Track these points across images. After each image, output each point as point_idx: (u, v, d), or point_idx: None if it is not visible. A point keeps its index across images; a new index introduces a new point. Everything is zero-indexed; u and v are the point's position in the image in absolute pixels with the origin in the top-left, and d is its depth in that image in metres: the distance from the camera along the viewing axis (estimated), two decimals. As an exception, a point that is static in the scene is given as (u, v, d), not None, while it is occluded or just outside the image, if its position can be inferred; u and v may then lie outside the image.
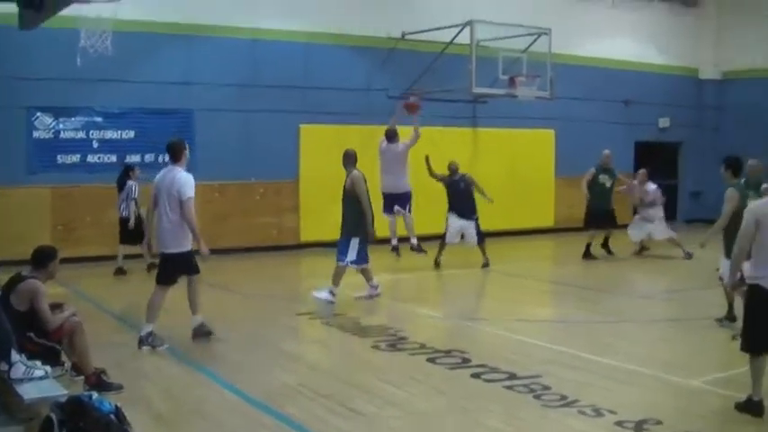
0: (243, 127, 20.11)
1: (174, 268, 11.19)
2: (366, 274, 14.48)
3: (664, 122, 28.32)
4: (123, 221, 17.33)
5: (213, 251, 17.31)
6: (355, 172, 14.36)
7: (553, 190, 25.08)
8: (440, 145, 21.54)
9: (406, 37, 21.94)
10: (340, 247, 14.36)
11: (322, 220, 20.71)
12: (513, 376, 9.41)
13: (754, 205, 8.29)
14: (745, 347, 8.34)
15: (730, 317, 12.26)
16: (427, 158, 18.24)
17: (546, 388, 8.98)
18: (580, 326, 12.82)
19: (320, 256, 19.90)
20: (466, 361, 10.10)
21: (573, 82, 24.50)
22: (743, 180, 12.46)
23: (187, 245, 11.13)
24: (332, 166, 20.76)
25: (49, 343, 8.59)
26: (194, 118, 19.70)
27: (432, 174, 18.37)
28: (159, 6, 19.18)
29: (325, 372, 9.99)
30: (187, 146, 11.36)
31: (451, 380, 9.51)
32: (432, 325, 12.90)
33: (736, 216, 10.07)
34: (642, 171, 20.34)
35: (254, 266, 18.62)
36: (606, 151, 19.93)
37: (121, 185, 17.35)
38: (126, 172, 17.49)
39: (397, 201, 17.91)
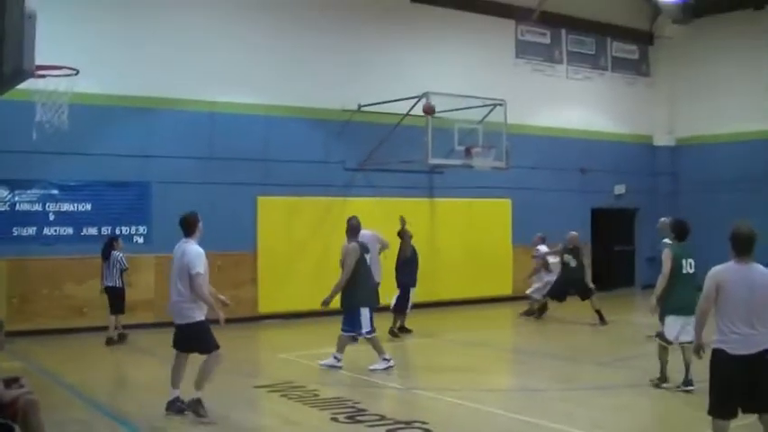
0: (201, 199, 19.94)
1: (186, 339, 11.28)
2: (376, 345, 14.58)
3: (619, 189, 28.61)
4: (111, 291, 17.65)
5: (171, 324, 17.30)
6: (349, 244, 14.62)
7: (511, 258, 25.16)
8: (396, 216, 21.64)
9: (362, 109, 22.11)
10: (346, 318, 14.54)
11: (280, 291, 20.75)
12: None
13: (715, 270, 8.30)
14: (710, 411, 8.34)
15: (663, 378, 12.58)
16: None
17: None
18: (539, 394, 12.81)
19: (278, 327, 19.92)
20: (427, 432, 10.05)
21: (529, 151, 24.77)
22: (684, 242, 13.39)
23: (197, 315, 11.14)
24: (289, 237, 20.96)
25: (2, 420, 8.43)
26: (152, 190, 19.65)
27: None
28: (117, 79, 19.19)
29: (284, 445, 9.90)
30: (200, 219, 11.43)
31: (412, 452, 9.46)
32: (391, 396, 12.84)
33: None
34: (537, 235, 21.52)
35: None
36: (573, 233, 20.25)
37: (106, 256, 17.65)
38: (110, 243, 17.83)
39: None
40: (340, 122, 22.14)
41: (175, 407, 10.97)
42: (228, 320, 19.67)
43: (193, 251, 10.98)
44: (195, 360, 11.24)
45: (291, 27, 21.70)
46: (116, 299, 17.71)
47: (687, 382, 12.18)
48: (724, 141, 28.06)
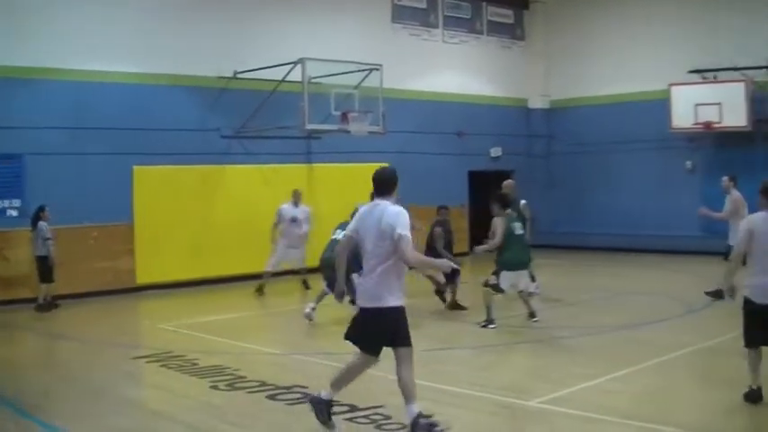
0: (75, 170, 19.65)
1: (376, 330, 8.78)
2: None
3: (496, 152, 29.00)
4: (40, 260, 18.07)
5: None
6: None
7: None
8: (274, 182, 21.63)
9: (238, 76, 21.93)
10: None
11: (158, 262, 20.54)
12: (354, 408, 9.45)
13: (749, 218, 9.72)
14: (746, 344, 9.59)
15: (489, 320, 14.57)
16: None
17: (387, 418, 9.08)
18: (418, 354, 12.93)
19: (157, 297, 19.73)
20: (306, 396, 10.04)
21: (406, 116, 24.92)
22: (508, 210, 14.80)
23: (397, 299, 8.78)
24: (166, 207, 20.72)
25: None
26: (24, 162, 19.15)
27: None
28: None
29: (164, 416, 9.79)
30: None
31: (293, 415, 9.48)
32: (271, 362, 12.83)
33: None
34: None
35: (90, 312, 18.15)
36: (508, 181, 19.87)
37: (34, 226, 18.13)
38: (37, 213, 18.17)
39: None
40: (216, 90, 21.93)
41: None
42: (106, 292, 19.71)
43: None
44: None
45: (164, -6, 21.40)
46: (42, 268, 18.09)
47: (532, 314, 14.87)
48: (596, 104, 28.69)
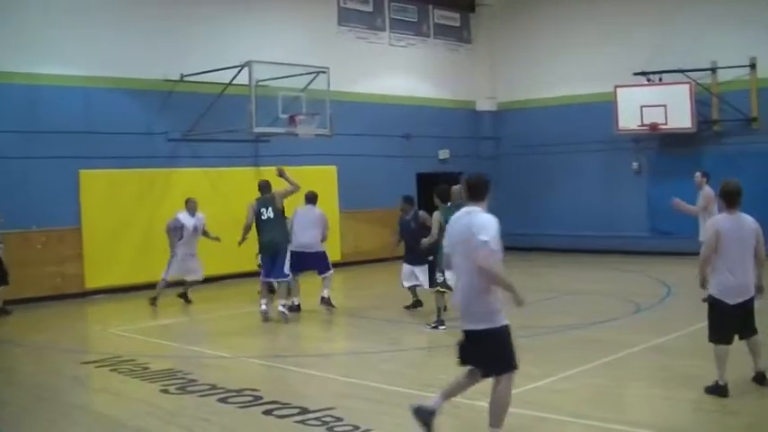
0: (21, 174, 19.48)
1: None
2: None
3: (444, 154, 29.13)
4: None
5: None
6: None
7: (338, 224, 25.28)
8: (221, 186, 21.59)
9: (185, 79, 21.85)
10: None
11: (106, 266, 20.41)
12: (305, 411, 9.44)
13: (716, 218, 10.20)
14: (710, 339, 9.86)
15: (440, 321, 14.77)
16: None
17: (338, 419, 9.05)
18: (370, 356, 13.00)
19: (106, 302, 19.61)
20: (257, 399, 10.06)
21: (353, 118, 25.00)
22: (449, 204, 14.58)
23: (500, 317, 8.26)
24: (114, 210, 20.59)
25: None
26: (-31, 167, 18.99)
27: None
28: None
29: (113, 420, 9.74)
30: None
31: (243, 418, 9.46)
32: (221, 365, 12.79)
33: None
34: None
35: (38, 317, 17.98)
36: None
37: None
38: None
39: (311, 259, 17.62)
40: (162, 93, 21.84)
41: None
42: (55, 297, 19.55)
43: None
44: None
45: (110, -4, 21.27)
46: None
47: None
48: (543, 106, 28.94)
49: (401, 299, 17.16)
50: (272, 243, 16.28)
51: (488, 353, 8.07)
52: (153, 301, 18.56)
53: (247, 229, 16.55)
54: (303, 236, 17.01)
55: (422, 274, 16.16)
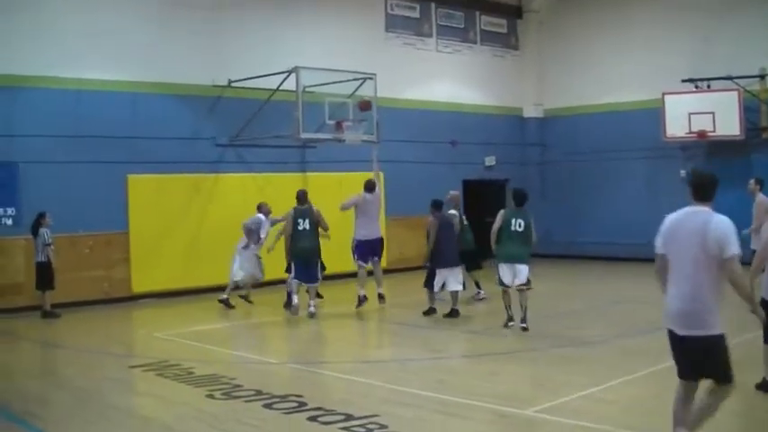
0: (70, 179, 19.66)
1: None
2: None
3: (490, 161, 29.06)
4: (39, 267, 18.26)
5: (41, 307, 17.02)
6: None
7: (384, 230, 25.22)
8: (267, 191, 21.67)
9: (233, 84, 21.97)
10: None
11: (153, 270, 20.56)
12: (349, 417, 9.45)
13: None
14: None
15: (509, 318, 15.34)
16: None
17: (383, 427, 9.05)
18: (414, 364, 13.01)
19: (153, 306, 19.74)
20: (302, 405, 10.09)
21: (400, 125, 25.01)
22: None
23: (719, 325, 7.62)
24: (161, 215, 20.74)
25: None
26: (19, 171, 19.14)
27: None
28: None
29: (158, 424, 9.80)
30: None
31: (288, 424, 9.49)
32: (267, 371, 12.85)
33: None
34: None
35: (85, 321, 18.16)
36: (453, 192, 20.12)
37: (35, 233, 18.28)
38: (38, 219, 18.27)
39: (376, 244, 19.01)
40: (210, 98, 21.96)
41: None
42: (102, 301, 19.74)
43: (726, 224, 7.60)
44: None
45: (158, 2, 21.38)
46: (43, 274, 18.26)
47: (509, 318, 15.26)
48: (590, 112, 28.77)
49: (445, 305, 17.14)
50: (305, 252, 17.40)
51: (720, 359, 7.49)
52: (246, 298, 19.29)
53: (288, 237, 17.54)
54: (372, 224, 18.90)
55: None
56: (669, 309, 7.65)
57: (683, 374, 7.70)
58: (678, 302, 7.51)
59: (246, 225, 18.91)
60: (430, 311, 17.06)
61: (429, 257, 16.95)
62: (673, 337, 7.64)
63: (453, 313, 16.65)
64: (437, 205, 17.22)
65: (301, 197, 17.73)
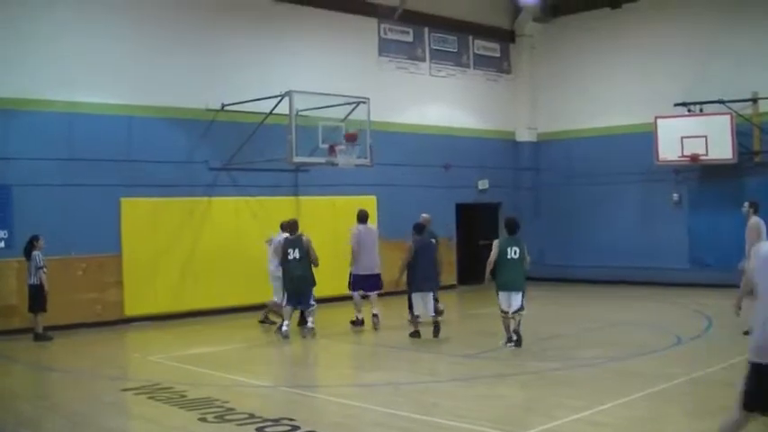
0: (63, 202, 19.67)
1: None
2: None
3: (483, 184, 29.10)
4: (33, 289, 18.20)
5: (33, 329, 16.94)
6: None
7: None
8: (261, 215, 21.68)
9: (226, 108, 22.01)
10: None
11: (146, 293, 20.53)
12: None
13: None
14: None
15: (509, 338, 15.51)
16: None
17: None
18: (407, 387, 12.98)
19: (145, 329, 19.68)
20: (295, 428, 10.04)
21: (393, 148, 25.06)
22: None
23: None
24: (154, 238, 20.74)
25: None
26: (12, 193, 19.14)
27: None
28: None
29: (152, 447, 9.82)
30: None
31: (281, 448, 9.49)
32: (260, 394, 12.82)
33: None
34: None
35: (77, 343, 18.11)
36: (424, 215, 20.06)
37: (28, 256, 18.22)
38: (31, 242, 18.24)
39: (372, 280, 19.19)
40: (204, 122, 22.01)
41: None
42: (95, 324, 19.69)
43: None
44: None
45: (151, 26, 21.44)
46: (36, 297, 18.22)
47: (509, 339, 15.52)
48: (583, 136, 28.88)
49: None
50: (297, 280, 17.61)
51: None
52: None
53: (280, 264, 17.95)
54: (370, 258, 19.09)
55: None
56: (758, 339, 7.08)
57: (754, 407, 7.15)
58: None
59: (274, 243, 18.91)
60: (414, 334, 17.12)
61: (403, 281, 17.37)
62: (758, 368, 7.04)
63: (435, 330, 16.99)
64: (418, 229, 17.70)
65: (291, 227, 17.91)
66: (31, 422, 11.10)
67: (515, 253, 15.48)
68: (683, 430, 9.95)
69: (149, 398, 12.32)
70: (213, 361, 15.24)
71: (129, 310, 20.55)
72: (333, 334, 18.27)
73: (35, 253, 18.14)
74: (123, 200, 20.59)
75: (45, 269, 18.22)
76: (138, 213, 20.70)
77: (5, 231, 19.03)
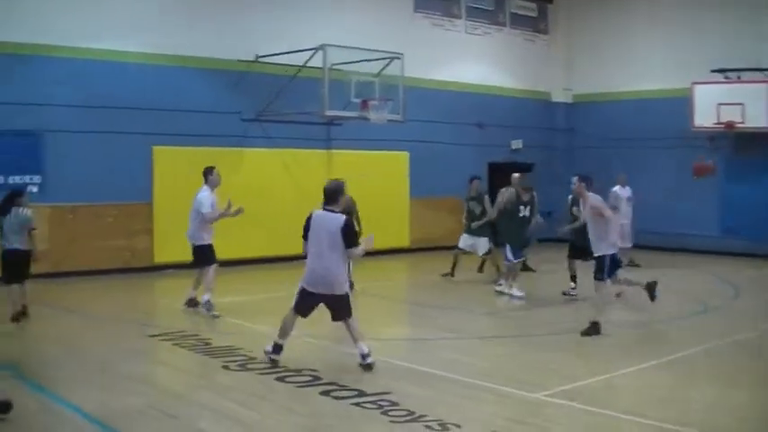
0: (95, 148, 19.79)
1: None
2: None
3: (516, 144, 28.99)
4: (19, 255, 14.17)
5: (65, 274, 17.15)
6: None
7: (408, 211, 25.34)
8: (292, 167, 21.70)
9: (260, 60, 21.99)
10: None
11: (175, 241, 20.59)
12: (361, 393, 9.51)
13: None
14: None
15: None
16: None
17: (393, 404, 9.09)
18: (427, 343, 13.05)
19: (174, 277, 19.78)
20: (316, 379, 10.16)
21: (426, 105, 24.99)
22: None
23: None
24: (185, 187, 20.72)
25: None
26: (45, 139, 19.29)
27: None
28: (4, 26, 18.81)
29: (173, 393, 9.90)
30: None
31: (300, 398, 9.56)
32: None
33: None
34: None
35: (106, 289, 18.27)
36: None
37: (5, 213, 14.12)
38: (11, 197, 14.33)
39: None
40: (237, 73, 21.99)
41: None
42: (124, 270, 19.84)
43: None
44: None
45: (189, -25, 21.47)
46: (23, 264, 14.33)
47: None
48: (618, 99, 28.65)
49: (464, 286, 17.15)
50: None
51: None
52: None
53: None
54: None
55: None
56: None
57: None
58: None
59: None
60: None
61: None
62: None
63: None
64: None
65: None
66: (55, 365, 11.24)
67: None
68: (702, 396, 9.92)
69: (174, 344, 12.47)
70: (240, 310, 15.35)
71: (159, 258, 20.69)
72: (361, 288, 18.32)
73: (24, 211, 14.18)
74: (156, 148, 20.69)
75: (36, 230, 14.65)
76: (169, 162, 20.78)
77: (38, 176, 19.16)
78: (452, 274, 19.50)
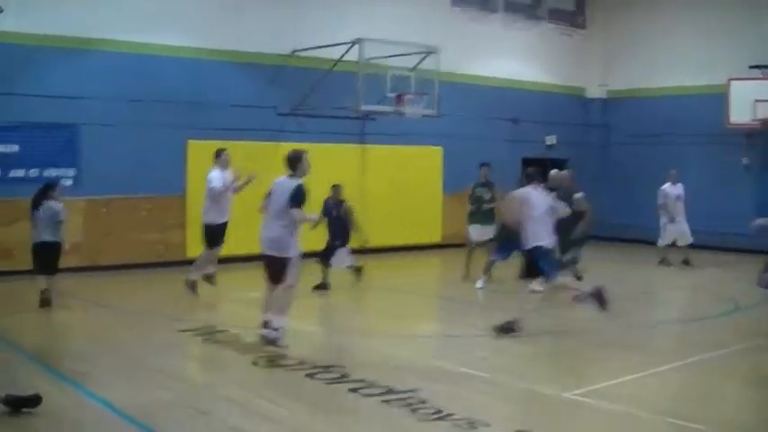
0: (130, 142, 19.88)
1: None
2: None
3: (550, 140, 28.86)
4: (48, 248, 14.77)
5: (98, 268, 17.24)
6: None
7: (441, 206, 25.33)
8: (327, 161, 21.67)
9: (296, 54, 22.02)
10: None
11: (209, 235, 20.69)
12: (390, 391, 9.52)
13: None
14: None
15: None
16: None
17: (422, 402, 9.10)
18: (457, 340, 13.05)
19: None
20: (344, 376, 10.18)
21: (461, 100, 24.94)
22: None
23: None
24: (219, 181, 20.80)
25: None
26: (81, 132, 19.42)
27: None
28: (43, 19, 18.83)
29: (203, 388, 9.97)
30: None
31: (329, 395, 9.59)
32: (313, 341, 12.95)
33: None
34: None
35: (137, 283, 18.39)
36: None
37: (38, 206, 14.74)
38: (45, 191, 14.99)
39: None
40: (273, 67, 22.02)
41: None
42: (157, 264, 19.93)
43: None
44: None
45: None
46: (53, 256, 14.91)
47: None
48: (654, 95, 28.45)
49: (495, 284, 17.12)
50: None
51: None
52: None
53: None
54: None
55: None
56: None
57: None
58: None
59: None
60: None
61: None
62: None
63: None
64: None
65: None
66: (84, 357, 11.32)
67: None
68: (732, 397, 9.89)
69: (205, 340, 12.54)
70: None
71: (192, 252, 20.70)
72: (392, 284, 18.35)
73: (54, 204, 14.86)
74: (190, 142, 20.76)
75: (63, 220, 15.06)
76: (204, 155, 20.73)
77: (73, 169, 19.30)
78: (468, 274, 18.70)
